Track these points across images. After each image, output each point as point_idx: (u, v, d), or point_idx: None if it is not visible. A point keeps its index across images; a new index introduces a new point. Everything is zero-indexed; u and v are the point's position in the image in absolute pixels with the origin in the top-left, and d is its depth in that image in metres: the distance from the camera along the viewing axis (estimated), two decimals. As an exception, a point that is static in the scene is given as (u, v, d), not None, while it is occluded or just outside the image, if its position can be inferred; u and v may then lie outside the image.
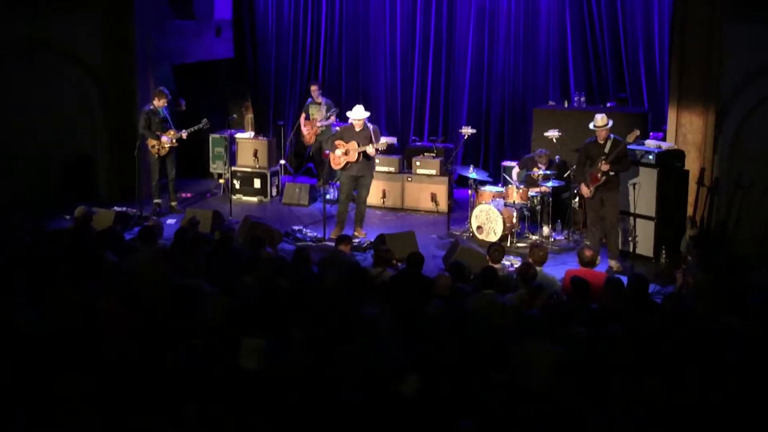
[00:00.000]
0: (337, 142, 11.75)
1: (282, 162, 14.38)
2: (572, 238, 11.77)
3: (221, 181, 14.27)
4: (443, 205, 12.98)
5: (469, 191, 12.21)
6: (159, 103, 12.66)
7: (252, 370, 6.00)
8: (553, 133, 11.88)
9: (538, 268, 8.54)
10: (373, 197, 13.17)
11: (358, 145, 11.56)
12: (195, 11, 15.07)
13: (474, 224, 11.70)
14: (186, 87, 13.07)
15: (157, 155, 12.68)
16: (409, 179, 13.41)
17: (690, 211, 11.27)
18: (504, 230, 11.45)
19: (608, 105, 13.11)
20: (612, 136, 10.50)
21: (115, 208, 12.04)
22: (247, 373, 5.96)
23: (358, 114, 11.69)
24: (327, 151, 12.66)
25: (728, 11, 10.99)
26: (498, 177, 13.07)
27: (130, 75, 13.45)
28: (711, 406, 5.60)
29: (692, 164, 11.31)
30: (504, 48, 14.54)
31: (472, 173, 12.21)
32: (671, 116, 11.56)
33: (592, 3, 13.91)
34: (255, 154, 13.89)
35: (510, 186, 11.86)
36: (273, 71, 15.84)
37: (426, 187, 13.29)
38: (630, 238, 10.75)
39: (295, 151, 15.34)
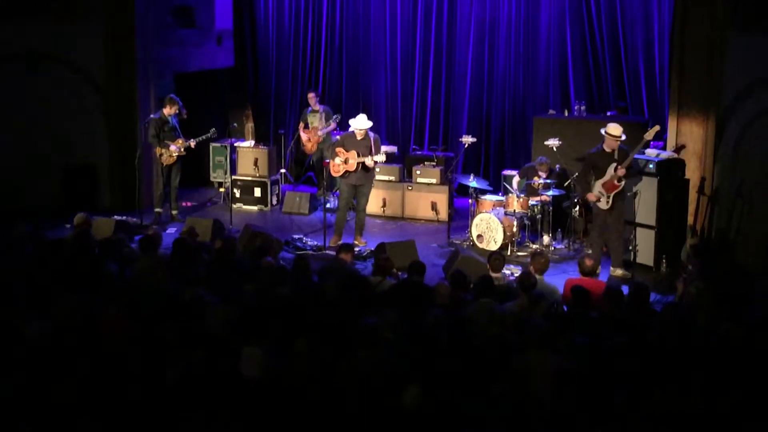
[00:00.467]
0: (337, 150, 11.76)
1: (282, 171, 14.40)
2: (573, 247, 11.77)
3: (221, 190, 14.27)
4: (443, 214, 12.98)
5: (470, 200, 12.21)
6: (170, 111, 12.65)
7: (253, 378, 6.00)
8: (553, 142, 11.89)
9: (538, 277, 8.54)
10: (374, 206, 13.18)
11: (358, 155, 11.57)
12: (196, 20, 15.10)
13: (474, 233, 11.70)
14: (187, 96, 13.09)
15: (163, 164, 12.69)
16: (410, 188, 13.42)
17: (690, 220, 11.27)
18: (504, 239, 11.45)
19: (608, 114, 13.10)
20: (620, 146, 10.52)
21: (116, 217, 12.04)
22: (248, 382, 5.95)
23: (360, 123, 11.70)
24: (327, 160, 12.68)
25: (728, 21, 11.01)
26: (498, 186, 13.09)
27: (131, 84, 13.46)
28: (717, 416, 5.59)
29: (693, 173, 11.31)
30: (504, 56, 14.55)
31: (472, 182, 12.21)
32: (671, 125, 11.57)
33: (592, 12, 13.93)
34: (255, 163, 13.90)
35: (510, 195, 11.87)
36: (273, 80, 15.88)
37: (426, 196, 13.30)
38: (630, 247, 10.74)
39: (296, 160, 15.36)
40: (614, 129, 10.52)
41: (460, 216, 13.05)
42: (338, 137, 12.54)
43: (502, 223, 11.46)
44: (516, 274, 9.93)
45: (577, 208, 11.66)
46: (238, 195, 13.91)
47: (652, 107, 13.63)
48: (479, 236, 11.62)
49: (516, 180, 12.45)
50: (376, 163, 11.69)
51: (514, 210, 11.67)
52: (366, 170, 11.74)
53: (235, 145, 14.19)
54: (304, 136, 14.26)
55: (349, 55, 15.47)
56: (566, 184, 11.89)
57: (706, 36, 11.17)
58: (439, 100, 15.03)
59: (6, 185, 13.05)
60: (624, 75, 13.87)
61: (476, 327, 6.90)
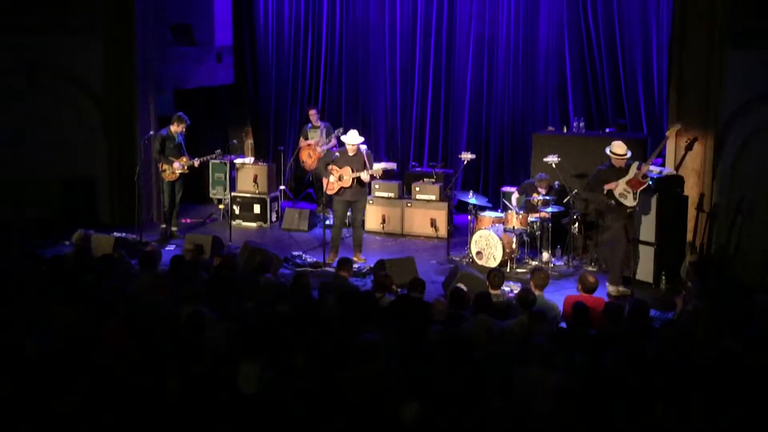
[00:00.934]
0: (330, 167, 11.80)
1: (282, 187, 14.41)
2: (572, 263, 11.77)
3: (221, 206, 14.28)
4: (443, 231, 12.98)
5: (469, 217, 12.21)
6: (177, 128, 12.67)
7: (251, 394, 5.99)
8: (552, 159, 11.88)
9: (538, 293, 8.54)
10: (373, 222, 13.19)
11: (352, 171, 11.60)
12: (196, 37, 15.15)
13: (473, 250, 11.70)
14: (187, 112, 13.11)
15: (165, 180, 12.69)
16: (409, 204, 13.43)
17: (690, 236, 11.27)
18: (504, 256, 11.45)
19: (607, 130, 13.13)
20: (627, 162, 10.54)
21: (115, 233, 12.03)
22: (247, 398, 5.94)
23: (352, 139, 11.76)
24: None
25: (727, 38, 11.05)
26: (497, 202, 13.08)
27: (131, 100, 13.48)
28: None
29: (691, 189, 11.32)
30: (503, 73, 14.59)
31: (471, 199, 12.22)
32: (670, 142, 11.59)
33: (591, 29, 13.98)
34: (255, 180, 13.91)
35: (509, 211, 11.87)
36: (273, 97, 15.91)
37: (426, 213, 13.30)
38: (630, 264, 10.73)
39: (295, 176, 15.38)
40: (618, 147, 10.54)
41: (460, 233, 13.05)
42: (337, 153, 12.56)
43: (501, 239, 11.46)
44: (515, 291, 9.91)
45: (577, 224, 11.66)
46: (237, 211, 13.92)
47: (651, 124, 13.65)
48: (478, 253, 11.62)
49: (515, 196, 12.44)
50: (372, 177, 11.73)
51: (514, 226, 11.67)
52: (361, 185, 11.79)
53: (235, 161, 14.21)
54: (304, 152, 14.28)
55: (349, 72, 15.51)
56: (565, 200, 11.90)
57: (704, 53, 11.22)
58: (439, 117, 15.06)
59: (5, 199, 13.05)
60: (623, 91, 13.91)
61: (474, 344, 6.89)
